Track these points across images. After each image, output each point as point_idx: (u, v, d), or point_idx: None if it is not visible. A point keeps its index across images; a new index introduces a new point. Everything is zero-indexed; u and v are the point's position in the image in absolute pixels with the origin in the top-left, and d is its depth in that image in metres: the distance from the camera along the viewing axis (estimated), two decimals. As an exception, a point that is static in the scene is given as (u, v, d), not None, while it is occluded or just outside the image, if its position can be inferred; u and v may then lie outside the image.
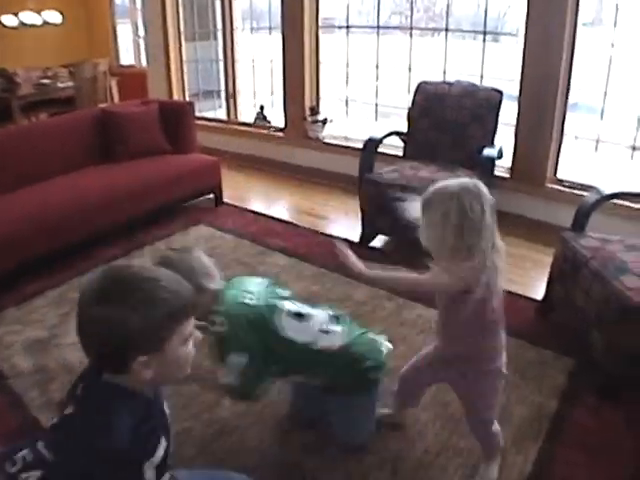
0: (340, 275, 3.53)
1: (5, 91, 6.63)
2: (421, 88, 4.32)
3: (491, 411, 2.03)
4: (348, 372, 2.09)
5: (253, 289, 2.11)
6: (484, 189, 1.76)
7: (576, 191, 4.11)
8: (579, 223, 3.05)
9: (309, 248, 4.04)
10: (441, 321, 1.99)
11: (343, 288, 3.47)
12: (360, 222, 4.08)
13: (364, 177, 3.92)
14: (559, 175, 4.29)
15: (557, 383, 2.65)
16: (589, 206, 3.06)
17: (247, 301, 2.01)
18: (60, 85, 7.19)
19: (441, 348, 2.06)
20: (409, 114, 4.32)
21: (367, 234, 4.05)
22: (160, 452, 1.32)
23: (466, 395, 2.05)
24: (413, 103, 4.31)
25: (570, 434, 2.36)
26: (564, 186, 4.22)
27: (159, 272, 1.35)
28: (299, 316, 2.06)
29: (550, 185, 4.25)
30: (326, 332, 2.06)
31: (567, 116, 4.17)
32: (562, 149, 4.26)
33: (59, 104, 6.92)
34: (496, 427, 2.07)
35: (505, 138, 4.32)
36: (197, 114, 6.30)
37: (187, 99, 6.58)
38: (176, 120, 4.88)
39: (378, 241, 4.13)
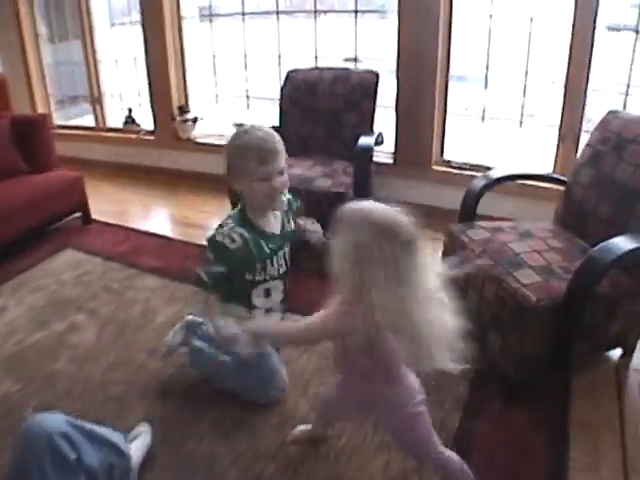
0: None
1: None
2: (290, 77, 4.01)
3: (423, 446, 1.83)
4: None
5: None
6: (409, 229, 1.50)
7: (465, 172, 3.90)
8: (467, 212, 2.83)
9: (182, 264, 3.68)
10: (335, 354, 1.80)
11: (218, 310, 3.11)
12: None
13: (229, 187, 3.54)
14: (446, 156, 4.05)
15: (459, 394, 2.45)
16: (477, 193, 2.82)
17: None
18: None
19: (340, 386, 1.91)
20: (280, 106, 4.00)
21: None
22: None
23: (390, 433, 1.91)
24: (282, 94, 3.99)
25: (477, 447, 2.19)
26: (452, 167, 4.00)
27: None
28: None
29: (437, 167, 4.02)
30: None
31: (453, 90, 3.95)
32: (447, 128, 4.03)
33: None
34: (445, 456, 1.84)
35: (388, 122, 4.05)
36: (63, 123, 5.89)
37: (51, 106, 6.04)
38: (31, 135, 4.35)
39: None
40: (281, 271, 2.33)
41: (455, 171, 3.95)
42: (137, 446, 2.11)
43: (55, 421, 1.76)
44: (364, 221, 1.50)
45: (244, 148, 2.06)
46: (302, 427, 2.22)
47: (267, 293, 2.35)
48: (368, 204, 1.58)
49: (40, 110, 5.87)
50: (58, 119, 6.11)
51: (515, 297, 2.19)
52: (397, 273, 1.47)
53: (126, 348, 2.92)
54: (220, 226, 2.19)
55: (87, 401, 2.52)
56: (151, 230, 4.29)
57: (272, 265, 2.28)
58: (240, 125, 2.19)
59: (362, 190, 3.36)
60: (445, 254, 2.79)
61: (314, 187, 3.29)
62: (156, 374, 2.70)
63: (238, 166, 2.09)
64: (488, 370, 2.47)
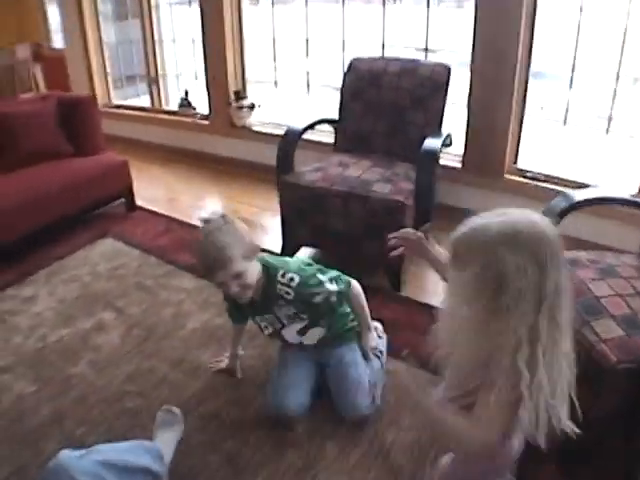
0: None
1: None
2: (354, 66, 3.66)
3: None
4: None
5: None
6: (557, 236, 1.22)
7: (540, 183, 3.51)
8: None
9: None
10: None
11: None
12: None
13: (280, 179, 3.25)
14: (519, 164, 3.66)
15: None
16: (555, 216, 2.36)
17: None
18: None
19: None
20: (341, 97, 3.66)
21: (288, 245, 3.38)
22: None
23: None
24: (344, 84, 3.65)
25: None
26: (525, 177, 3.61)
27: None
28: None
29: (509, 176, 3.63)
30: None
31: (530, 89, 3.53)
32: (523, 132, 3.62)
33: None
34: None
35: (458, 120, 3.68)
36: (120, 102, 5.72)
37: (110, 85, 5.89)
38: (78, 117, 4.16)
39: (304, 253, 3.46)
40: (277, 328, 2.31)
41: (529, 182, 3.56)
42: (167, 442, 2.13)
43: (88, 469, 1.64)
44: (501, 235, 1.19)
45: (196, 256, 2.08)
46: None
47: (282, 339, 2.37)
48: (501, 214, 1.26)
49: (98, 88, 5.73)
50: (115, 98, 5.96)
51: (591, 354, 1.81)
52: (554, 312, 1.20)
53: (150, 357, 2.72)
54: None
55: (101, 412, 2.36)
56: (196, 223, 4.00)
57: (262, 322, 2.33)
58: (206, 221, 2.07)
59: (424, 199, 3.02)
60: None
61: (370, 192, 2.95)
62: (177, 391, 2.48)
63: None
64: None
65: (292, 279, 2.14)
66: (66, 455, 1.64)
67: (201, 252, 2.00)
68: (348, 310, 2.36)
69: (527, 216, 1.22)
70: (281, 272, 2.14)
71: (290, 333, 2.30)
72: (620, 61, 3.30)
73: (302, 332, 2.30)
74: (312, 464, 2.10)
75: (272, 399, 2.27)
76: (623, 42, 3.25)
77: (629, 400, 1.82)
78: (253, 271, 2.07)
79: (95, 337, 2.86)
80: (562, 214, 2.39)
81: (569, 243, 2.37)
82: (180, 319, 2.97)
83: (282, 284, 2.14)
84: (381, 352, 2.48)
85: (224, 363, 2.57)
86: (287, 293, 2.15)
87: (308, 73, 4.61)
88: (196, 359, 2.67)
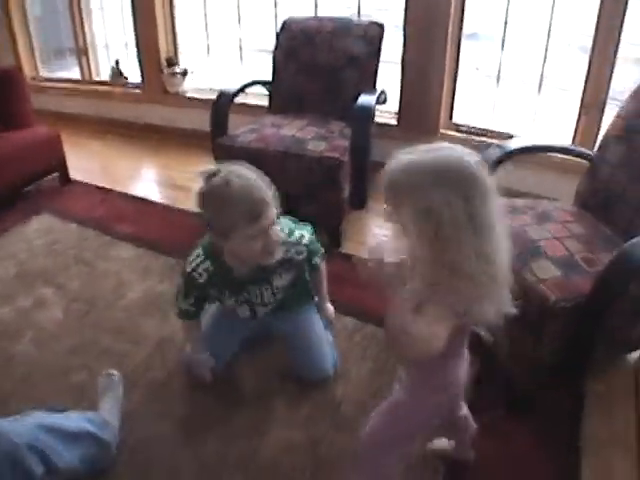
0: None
1: None
2: (286, 26, 3.61)
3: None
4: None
5: None
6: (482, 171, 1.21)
7: (475, 137, 3.53)
8: None
9: (160, 232, 3.40)
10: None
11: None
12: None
13: (215, 142, 3.21)
14: (455, 119, 3.68)
15: None
16: (490, 165, 2.38)
17: None
18: None
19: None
20: (274, 58, 3.62)
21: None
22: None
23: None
24: (277, 45, 3.60)
25: (473, 464, 1.90)
26: (461, 132, 3.64)
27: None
28: None
29: (444, 131, 3.66)
30: None
31: (464, 48, 3.55)
32: (457, 88, 3.64)
33: None
34: None
35: (393, 79, 3.68)
36: (49, 75, 5.56)
37: (37, 59, 5.68)
38: (4, 90, 4.00)
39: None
40: (265, 300, 2.15)
41: (465, 136, 3.58)
42: (110, 408, 2.07)
43: (24, 431, 1.60)
44: (427, 174, 1.18)
45: (223, 207, 1.78)
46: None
47: (253, 312, 2.20)
48: (422, 149, 1.25)
49: (25, 63, 5.52)
50: (44, 73, 5.76)
51: (530, 295, 1.84)
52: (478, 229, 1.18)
53: (92, 328, 2.67)
54: (191, 258, 2.04)
55: (46, 389, 2.30)
56: (133, 192, 3.98)
57: (249, 294, 2.11)
58: (213, 174, 1.82)
59: (360, 155, 3.02)
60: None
61: (306, 151, 2.94)
62: (122, 360, 2.43)
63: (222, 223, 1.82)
64: (493, 372, 2.18)
65: (302, 236, 2.06)
66: (4, 424, 1.59)
67: (233, 200, 1.74)
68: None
69: (456, 152, 1.23)
70: (287, 230, 2.01)
71: (263, 309, 2.20)
72: (550, 22, 3.34)
73: (265, 304, 2.19)
74: (262, 422, 2.10)
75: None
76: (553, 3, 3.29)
77: (569, 343, 1.87)
78: (276, 226, 1.88)
79: (36, 314, 2.79)
80: (497, 163, 2.42)
81: (506, 193, 2.43)
82: (121, 289, 2.92)
83: (293, 244, 2.04)
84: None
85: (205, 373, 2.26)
86: (299, 253, 2.07)
87: (240, 39, 4.54)
88: (139, 327, 2.64)
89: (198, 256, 2.01)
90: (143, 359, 2.45)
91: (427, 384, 1.46)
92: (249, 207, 1.73)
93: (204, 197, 1.81)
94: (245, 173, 1.79)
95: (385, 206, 1.26)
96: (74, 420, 1.81)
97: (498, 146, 2.52)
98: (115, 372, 2.22)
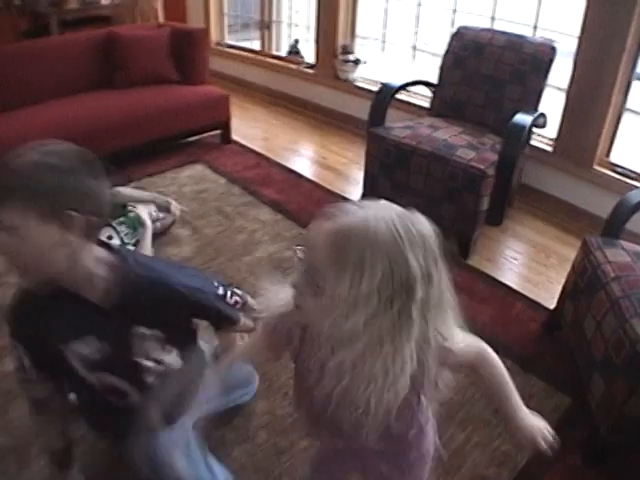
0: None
1: (52, 5, 6.22)
2: (459, 34, 3.66)
3: None
4: None
5: None
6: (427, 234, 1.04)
7: (630, 181, 3.43)
8: (613, 225, 2.37)
9: (302, 205, 3.57)
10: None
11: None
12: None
13: (369, 131, 3.33)
14: (612, 158, 3.60)
15: None
16: (631, 207, 2.35)
17: None
18: (104, 3, 6.75)
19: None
20: (442, 63, 3.69)
21: (367, 197, 3.47)
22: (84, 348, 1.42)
23: None
24: (448, 50, 3.66)
25: None
26: (616, 172, 3.53)
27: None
28: None
29: (599, 168, 3.57)
30: None
31: (633, 88, 3.44)
32: (620, 127, 3.55)
33: (99, 23, 6.50)
34: None
35: (556, 105, 3.65)
36: (232, 42, 5.92)
37: (225, 26, 6.08)
38: (188, 48, 4.38)
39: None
40: None
41: (618, 177, 3.50)
42: None
43: None
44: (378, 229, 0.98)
45: None
46: None
47: None
48: (352, 213, 1.02)
49: (213, 27, 5.94)
50: (228, 39, 6.17)
51: (634, 346, 1.80)
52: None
53: (215, 274, 2.83)
54: None
55: None
56: (285, 163, 4.18)
57: None
58: None
59: (505, 171, 3.03)
60: (573, 268, 2.43)
61: (453, 156, 2.99)
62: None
63: None
64: (582, 412, 2.11)
65: None
66: None
67: None
68: None
69: (410, 214, 1.03)
70: None
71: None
72: None
73: None
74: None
75: None
76: None
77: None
78: None
79: (168, 248, 3.07)
80: (636, 207, 2.36)
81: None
82: (250, 246, 3.12)
83: None
84: None
85: None
86: None
87: (415, 40, 4.64)
88: (257, 284, 2.80)
89: None
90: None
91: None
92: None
93: None
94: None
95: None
96: None
97: (640, 190, 2.45)
98: None
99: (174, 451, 1.52)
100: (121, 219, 2.95)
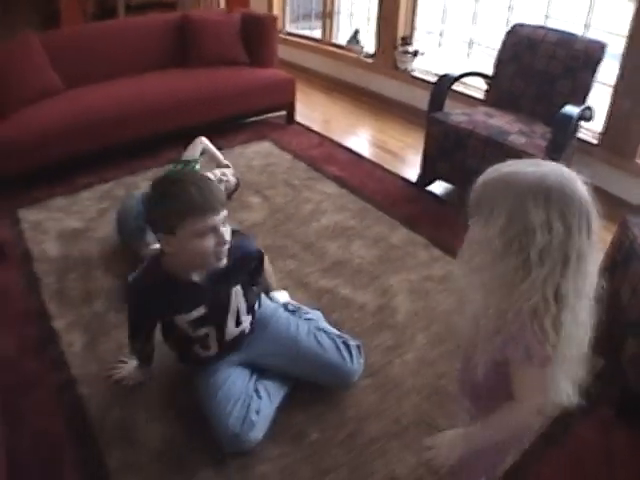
0: (384, 214, 3.41)
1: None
2: (514, 30, 3.93)
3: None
4: None
5: None
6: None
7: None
8: None
9: (364, 181, 3.86)
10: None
11: (381, 228, 3.32)
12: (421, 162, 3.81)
13: (429, 115, 3.64)
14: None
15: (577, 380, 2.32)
16: None
17: None
18: (168, -13, 7.07)
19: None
20: (498, 57, 3.96)
21: (425, 177, 3.81)
22: (194, 315, 1.90)
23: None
24: (503, 46, 3.94)
25: (565, 445, 2.07)
26: (656, 165, 3.78)
27: (187, 180, 1.71)
28: None
29: (641, 161, 3.82)
30: None
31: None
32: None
33: (163, 8, 6.81)
34: None
35: (603, 100, 3.90)
36: (293, 31, 6.23)
37: (286, 14, 6.44)
38: (258, 33, 4.73)
39: (437, 187, 3.85)
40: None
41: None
42: None
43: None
44: (530, 189, 1.08)
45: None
46: None
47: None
48: (510, 165, 1.16)
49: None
50: (290, 28, 6.52)
51: None
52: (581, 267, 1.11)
53: (285, 237, 3.21)
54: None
55: None
56: (347, 144, 4.49)
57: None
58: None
59: (554, 158, 3.29)
60: (612, 246, 2.68)
61: (506, 141, 3.28)
62: (298, 269, 2.97)
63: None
64: (615, 371, 2.29)
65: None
66: None
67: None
68: None
69: (562, 173, 1.11)
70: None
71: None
72: None
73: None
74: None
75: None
76: None
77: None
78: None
79: (241, 213, 3.40)
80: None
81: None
82: (317, 214, 3.43)
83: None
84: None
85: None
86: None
87: (471, 35, 4.91)
88: (323, 247, 3.13)
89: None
90: (320, 273, 2.93)
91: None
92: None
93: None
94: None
95: (470, 217, 1.19)
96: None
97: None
98: None
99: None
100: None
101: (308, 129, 4.69)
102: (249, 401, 2.00)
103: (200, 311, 1.91)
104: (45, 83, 3.94)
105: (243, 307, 2.05)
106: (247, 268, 2.04)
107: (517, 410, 1.26)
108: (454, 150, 3.50)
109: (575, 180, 1.11)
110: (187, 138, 3.45)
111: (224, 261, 1.78)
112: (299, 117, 4.84)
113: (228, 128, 4.45)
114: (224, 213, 1.72)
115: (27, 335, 2.47)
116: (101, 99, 3.90)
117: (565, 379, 1.21)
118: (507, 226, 1.08)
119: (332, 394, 2.21)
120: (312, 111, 5.14)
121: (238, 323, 2.05)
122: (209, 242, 1.69)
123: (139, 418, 2.12)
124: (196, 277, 1.85)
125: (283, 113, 4.78)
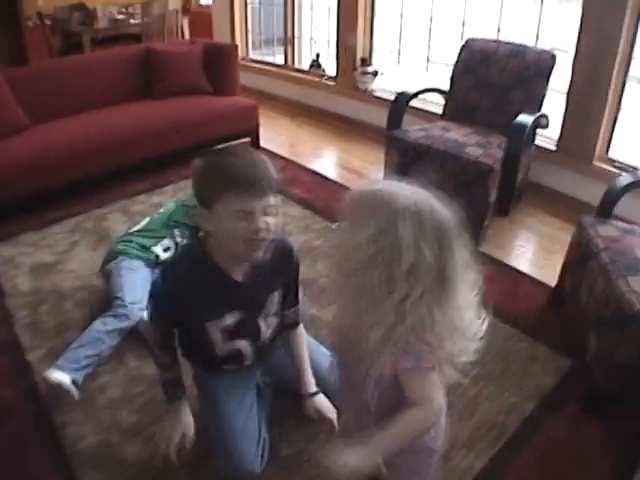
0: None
1: (82, 24, 6.64)
2: (468, 45, 4.03)
3: None
4: None
5: None
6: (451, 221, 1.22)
7: (626, 174, 3.75)
8: (605, 208, 2.72)
9: (328, 202, 3.89)
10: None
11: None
12: (384, 182, 3.86)
13: (388, 134, 3.71)
14: (611, 154, 3.93)
15: (542, 384, 2.37)
16: (618, 190, 2.72)
17: None
18: (132, 22, 7.16)
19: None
20: (453, 71, 4.05)
21: (387, 193, 3.85)
22: (228, 320, 1.71)
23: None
24: (458, 60, 4.04)
25: (535, 445, 2.10)
26: (614, 167, 3.85)
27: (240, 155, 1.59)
28: None
29: (598, 163, 3.89)
30: None
31: (627, 89, 3.77)
32: (618, 125, 3.88)
33: (128, 40, 6.92)
34: None
35: (559, 107, 3.99)
36: (257, 57, 6.33)
37: (249, 42, 6.55)
38: (219, 62, 4.80)
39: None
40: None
41: (616, 171, 3.81)
42: None
43: None
44: (401, 201, 1.18)
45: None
46: None
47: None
48: (388, 184, 1.25)
49: (238, 44, 6.30)
50: (252, 55, 6.63)
51: (620, 301, 2.11)
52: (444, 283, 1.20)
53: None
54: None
55: None
56: (311, 167, 4.55)
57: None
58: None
59: (510, 166, 3.38)
60: (570, 246, 2.76)
61: (463, 154, 3.34)
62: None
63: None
64: (581, 370, 2.39)
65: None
66: None
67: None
68: None
69: (432, 202, 1.21)
70: None
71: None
72: None
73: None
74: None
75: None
76: None
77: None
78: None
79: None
80: (625, 188, 2.72)
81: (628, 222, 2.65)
82: (282, 237, 3.45)
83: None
84: None
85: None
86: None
87: (428, 51, 5.02)
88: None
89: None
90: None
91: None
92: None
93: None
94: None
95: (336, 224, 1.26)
96: None
97: (631, 174, 2.81)
98: None
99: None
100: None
101: (273, 153, 4.72)
102: (264, 435, 1.93)
103: (235, 316, 1.73)
104: (10, 119, 3.96)
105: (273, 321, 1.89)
106: (286, 267, 1.85)
107: (421, 413, 1.29)
108: (413, 165, 3.55)
109: (443, 208, 1.21)
110: (154, 168, 3.46)
111: (260, 253, 1.60)
112: (265, 142, 4.90)
113: (193, 157, 4.44)
114: (273, 200, 1.55)
115: (0, 367, 2.49)
116: (68, 134, 3.94)
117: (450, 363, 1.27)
118: (377, 236, 1.14)
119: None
120: (278, 135, 5.21)
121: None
122: (250, 227, 1.52)
123: (114, 440, 2.12)
124: (238, 276, 1.69)
125: (248, 139, 4.83)
